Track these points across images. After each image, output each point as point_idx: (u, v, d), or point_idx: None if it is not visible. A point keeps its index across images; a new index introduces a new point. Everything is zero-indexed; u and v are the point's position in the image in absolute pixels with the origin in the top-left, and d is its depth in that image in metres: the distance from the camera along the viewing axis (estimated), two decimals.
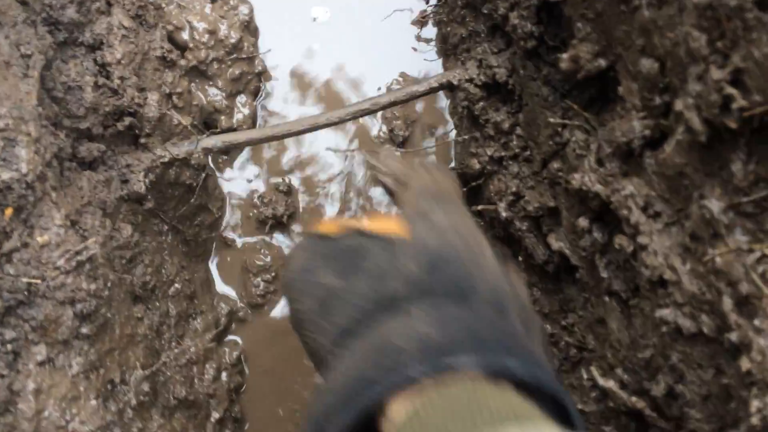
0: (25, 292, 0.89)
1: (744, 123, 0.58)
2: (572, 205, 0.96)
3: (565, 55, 0.87)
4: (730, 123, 0.58)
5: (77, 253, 0.95)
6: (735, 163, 0.61)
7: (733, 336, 0.62)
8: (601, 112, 0.89)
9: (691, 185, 0.68)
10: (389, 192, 0.70)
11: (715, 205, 0.63)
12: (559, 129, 0.97)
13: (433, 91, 1.22)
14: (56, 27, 1.00)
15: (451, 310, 0.48)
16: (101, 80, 1.05)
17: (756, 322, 0.60)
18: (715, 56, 0.57)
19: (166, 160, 1.14)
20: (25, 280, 0.89)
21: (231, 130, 1.41)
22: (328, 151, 1.50)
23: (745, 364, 0.60)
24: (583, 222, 0.92)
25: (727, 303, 0.63)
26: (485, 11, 1.13)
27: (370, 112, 1.22)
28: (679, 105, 0.62)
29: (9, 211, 0.87)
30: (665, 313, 0.71)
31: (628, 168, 0.81)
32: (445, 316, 0.48)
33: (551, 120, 0.94)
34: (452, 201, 0.62)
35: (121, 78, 1.07)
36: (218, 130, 1.40)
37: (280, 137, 1.21)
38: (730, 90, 0.56)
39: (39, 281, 0.90)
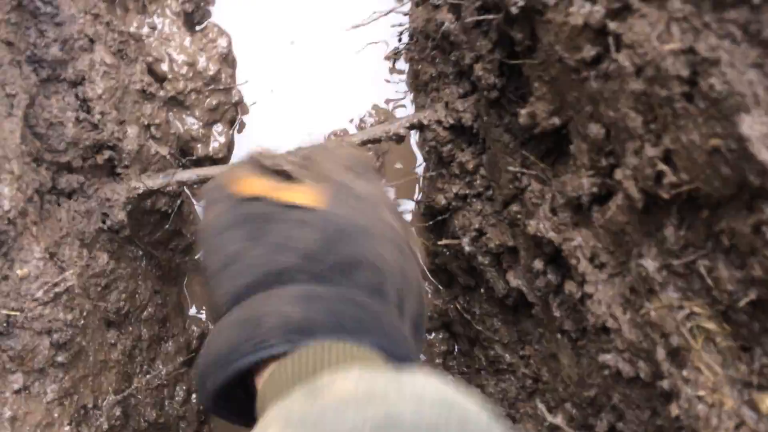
0: (4, 324, 0.93)
1: (676, 195, 0.65)
2: (529, 246, 1.02)
3: (523, 111, 0.93)
4: (663, 194, 0.65)
5: (55, 284, 0.98)
6: (668, 228, 0.68)
7: (665, 383, 0.69)
8: (556, 163, 0.96)
9: (632, 242, 0.75)
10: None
11: (650, 264, 0.70)
12: (518, 175, 1.03)
13: (405, 130, 1.27)
14: (40, 65, 1.04)
15: (323, 291, 0.53)
16: (82, 115, 1.09)
17: (684, 372, 0.67)
18: (649, 135, 0.64)
19: (141, 192, 1.18)
20: (4, 311, 0.92)
21: (207, 157, 1.46)
22: None
23: (674, 410, 0.67)
24: (538, 264, 0.98)
25: (661, 353, 0.70)
26: (453, 58, 1.19)
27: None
28: (618, 174, 0.69)
29: None
30: (607, 357, 0.77)
31: (578, 219, 0.88)
32: (314, 297, 0.53)
33: (510, 168, 1.00)
34: (370, 171, 0.66)
35: (102, 113, 1.11)
36: (194, 157, 1.44)
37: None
38: (662, 167, 0.63)
39: (18, 313, 0.93)
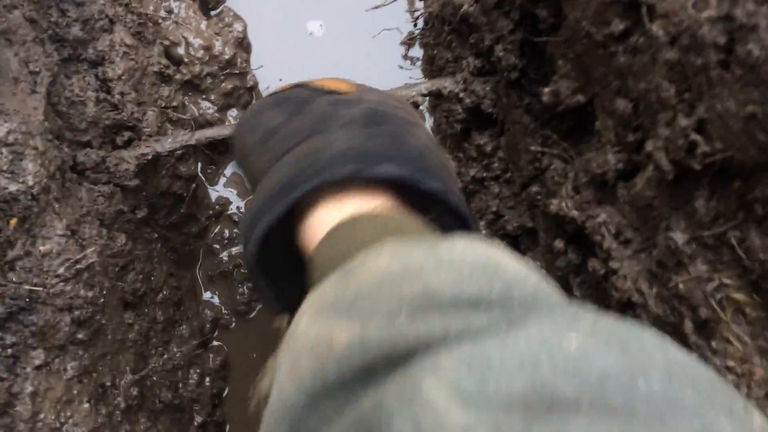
0: (27, 299, 0.93)
1: (707, 165, 0.65)
2: (549, 227, 1.02)
3: (546, 89, 0.93)
4: (695, 165, 0.65)
5: (76, 261, 0.99)
6: (698, 200, 0.68)
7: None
8: (579, 142, 0.96)
9: (659, 216, 0.75)
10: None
11: (679, 236, 0.70)
12: (539, 155, 1.03)
13: (422, 96, 1.27)
14: (62, 44, 1.04)
15: (379, 131, 0.54)
16: (102, 95, 1.09)
17: (713, 343, 0.67)
18: (682, 105, 0.64)
19: (149, 157, 1.17)
20: (26, 287, 0.93)
21: (222, 143, 1.46)
22: None
23: None
24: (559, 244, 0.98)
25: (689, 326, 0.70)
26: (471, 40, 1.19)
27: None
28: (649, 146, 0.69)
29: (14, 222, 0.91)
30: None
31: (602, 197, 0.88)
32: (373, 135, 0.53)
33: (531, 148, 1.00)
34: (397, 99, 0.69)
35: (122, 93, 1.11)
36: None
37: None
38: (696, 137, 0.63)
39: (40, 289, 0.94)
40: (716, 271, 0.68)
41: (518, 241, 1.17)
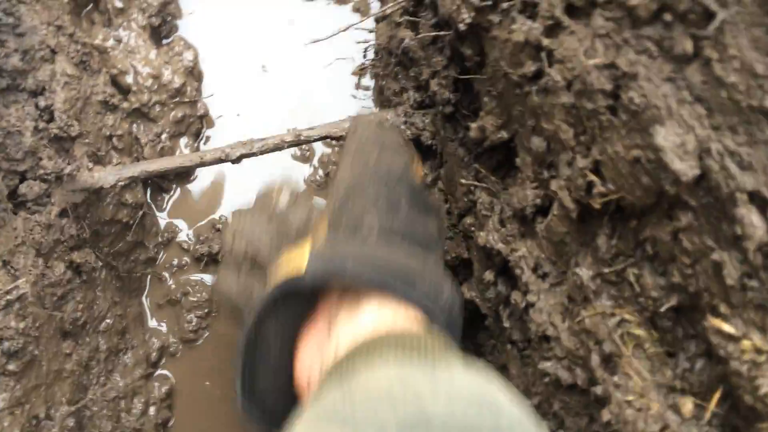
0: None
1: (605, 204, 0.67)
2: (481, 258, 1.04)
3: (473, 125, 0.96)
4: (594, 204, 0.67)
5: (7, 292, 0.98)
6: (600, 238, 0.70)
7: (599, 389, 0.71)
8: (506, 176, 0.98)
9: (571, 252, 0.77)
10: None
11: (585, 272, 0.72)
12: (472, 188, 1.06)
13: None
14: None
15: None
16: (41, 124, 1.09)
17: (615, 378, 0.69)
18: (580, 147, 0.67)
19: (90, 189, 1.17)
20: None
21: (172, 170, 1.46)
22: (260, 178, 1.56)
23: (605, 415, 0.69)
24: (489, 275, 1.00)
25: (595, 359, 0.72)
26: (412, 74, 1.22)
27: (296, 144, 1.27)
28: (554, 185, 0.71)
29: None
30: (547, 365, 0.79)
31: (525, 230, 0.90)
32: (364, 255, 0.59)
33: (462, 181, 1.02)
34: (392, 148, 0.72)
35: (62, 123, 1.11)
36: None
37: (193, 166, 1.26)
38: (592, 177, 0.66)
39: None
40: (618, 307, 0.70)
41: (456, 271, 1.18)
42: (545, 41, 0.69)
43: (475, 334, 1.22)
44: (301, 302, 0.58)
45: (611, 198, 0.63)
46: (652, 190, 0.58)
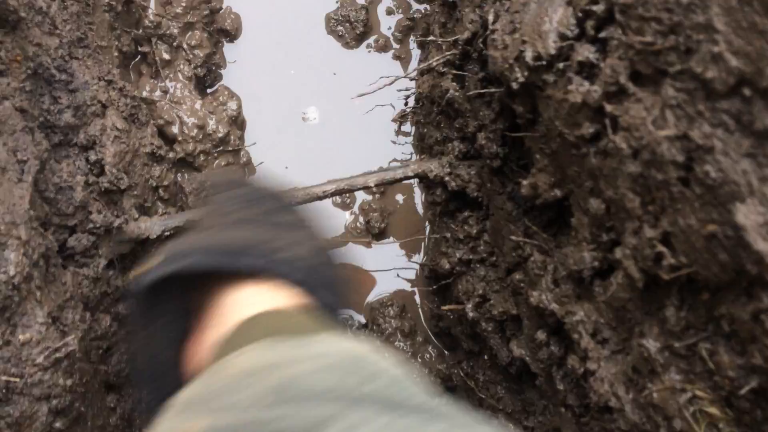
0: (3, 390, 0.92)
1: (676, 276, 0.64)
2: (532, 316, 1.02)
3: (525, 182, 0.94)
4: (663, 275, 0.64)
5: (56, 350, 0.98)
6: (669, 309, 0.67)
7: None
8: (559, 234, 0.96)
9: (634, 319, 0.74)
10: None
11: (652, 344, 0.69)
12: (521, 244, 1.03)
13: (407, 178, 1.28)
14: (52, 130, 1.06)
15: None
16: (92, 179, 1.11)
17: None
18: (648, 216, 0.64)
19: (135, 237, 1.18)
20: (4, 378, 0.92)
21: None
22: None
23: None
24: (541, 335, 0.97)
25: None
26: (457, 125, 1.21)
27: (342, 192, 1.26)
28: (618, 253, 0.69)
29: None
30: None
31: (581, 292, 0.87)
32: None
33: (513, 237, 1.00)
34: (266, 200, 0.69)
35: (112, 176, 1.13)
36: None
37: None
38: (661, 248, 0.63)
39: (17, 379, 0.93)
40: (689, 382, 0.67)
41: (504, 327, 1.16)
42: (608, 107, 0.67)
43: (522, 390, 1.18)
44: (177, 299, 0.56)
45: (683, 272, 0.61)
46: (729, 267, 0.56)
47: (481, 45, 1.02)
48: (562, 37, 0.79)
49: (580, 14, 0.78)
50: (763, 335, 0.55)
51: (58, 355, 0.98)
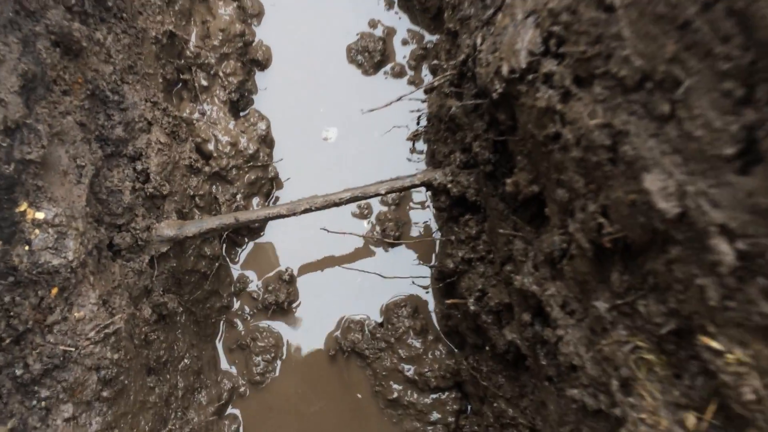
0: (60, 358, 1.08)
1: (615, 242, 0.77)
2: (520, 301, 1.14)
3: (509, 180, 1.07)
4: (605, 243, 0.77)
5: (105, 327, 1.14)
6: (614, 274, 0.80)
7: (617, 411, 0.79)
8: (541, 226, 1.09)
9: (591, 289, 0.87)
10: None
11: (602, 305, 0.81)
12: (511, 238, 1.16)
13: (415, 186, 1.43)
14: (106, 142, 1.24)
15: None
16: (138, 185, 1.28)
17: (631, 399, 0.77)
18: (590, 194, 0.77)
19: (171, 239, 1.35)
20: (61, 347, 1.08)
21: (245, 226, 1.63)
22: (324, 235, 1.70)
23: None
24: (526, 317, 1.09)
25: (614, 384, 0.80)
26: (458, 137, 1.35)
27: (353, 200, 1.42)
28: (571, 227, 0.82)
29: (55, 291, 1.08)
30: (575, 392, 0.88)
31: (554, 273, 1.00)
32: None
33: (501, 231, 1.13)
34: None
35: (155, 184, 1.30)
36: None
37: (264, 219, 1.42)
38: (601, 219, 0.76)
39: (73, 349, 1.09)
40: (632, 335, 0.79)
41: (500, 317, 1.28)
42: (559, 106, 0.81)
43: (518, 376, 1.30)
44: None
45: (617, 236, 0.74)
46: (647, 227, 0.69)
47: (472, 64, 1.17)
48: (531, 53, 0.94)
49: (545, 34, 0.93)
50: (674, 282, 0.67)
51: (107, 331, 1.14)
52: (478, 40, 1.14)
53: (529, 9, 0.99)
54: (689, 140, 0.61)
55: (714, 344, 0.63)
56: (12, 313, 1.01)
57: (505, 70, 0.98)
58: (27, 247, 1.03)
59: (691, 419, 0.69)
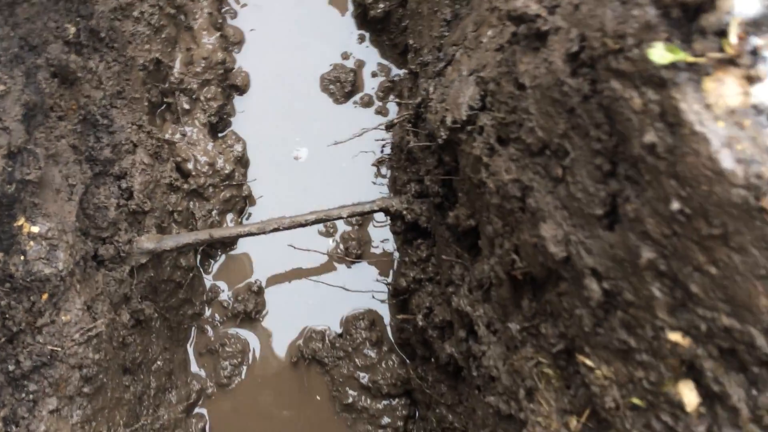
0: (48, 357, 1.21)
1: (525, 276, 0.93)
2: (457, 319, 1.30)
3: (451, 214, 1.24)
4: (517, 275, 0.93)
5: (89, 330, 1.28)
6: (524, 301, 0.96)
7: (521, 415, 0.95)
8: (477, 255, 1.25)
9: (510, 312, 1.03)
10: None
11: (514, 326, 0.97)
12: (453, 263, 1.32)
13: (374, 212, 1.59)
14: (94, 162, 1.38)
15: None
16: (122, 202, 1.42)
17: (532, 405, 0.93)
18: (506, 234, 0.94)
19: (148, 252, 1.49)
20: (49, 347, 1.21)
21: (219, 241, 1.78)
22: (292, 250, 1.85)
23: None
24: (461, 333, 1.25)
25: (521, 393, 0.96)
26: (413, 169, 1.52)
27: (319, 221, 1.58)
28: (492, 261, 0.98)
29: (45, 296, 1.21)
30: (491, 399, 1.03)
31: (484, 296, 1.16)
32: None
33: (444, 257, 1.29)
34: None
35: (138, 201, 1.44)
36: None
37: (236, 237, 1.56)
38: (514, 256, 0.92)
39: (59, 349, 1.22)
40: (536, 353, 0.95)
41: (444, 332, 1.44)
42: (485, 159, 0.97)
43: (457, 385, 1.46)
44: None
45: (525, 271, 0.90)
46: (545, 265, 0.85)
47: (424, 109, 1.33)
48: (471, 108, 1.10)
49: (483, 92, 1.09)
50: (563, 310, 0.83)
51: (90, 334, 1.27)
52: (431, 89, 1.30)
53: (473, 68, 1.15)
54: (573, 199, 0.78)
55: (588, 362, 0.80)
56: (7, 316, 1.14)
57: (449, 120, 1.14)
58: (22, 257, 1.17)
59: (573, 422, 0.85)
